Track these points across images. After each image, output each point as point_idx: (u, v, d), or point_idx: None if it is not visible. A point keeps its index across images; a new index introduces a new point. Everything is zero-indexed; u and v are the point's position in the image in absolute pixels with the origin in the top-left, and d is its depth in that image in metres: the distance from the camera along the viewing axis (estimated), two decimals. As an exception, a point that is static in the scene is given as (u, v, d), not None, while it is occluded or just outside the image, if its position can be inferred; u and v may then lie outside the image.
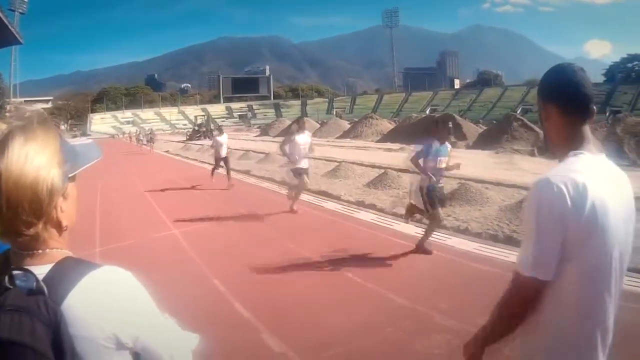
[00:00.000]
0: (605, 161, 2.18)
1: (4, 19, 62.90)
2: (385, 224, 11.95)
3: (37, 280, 1.35)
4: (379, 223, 12.13)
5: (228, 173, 20.19)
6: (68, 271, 1.42)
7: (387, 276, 8.14)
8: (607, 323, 2.09)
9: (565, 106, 2.17)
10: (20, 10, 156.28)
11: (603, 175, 2.06)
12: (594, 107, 2.20)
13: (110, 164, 32.69)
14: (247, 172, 24.10)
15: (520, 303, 2.08)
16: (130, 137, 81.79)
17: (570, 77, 2.17)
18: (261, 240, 11.11)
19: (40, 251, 1.43)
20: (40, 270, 1.40)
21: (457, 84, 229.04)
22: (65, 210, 1.44)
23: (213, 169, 21.14)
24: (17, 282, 1.38)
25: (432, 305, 6.72)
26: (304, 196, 15.66)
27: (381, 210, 13.50)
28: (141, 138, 59.32)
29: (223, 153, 20.27)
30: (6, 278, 1.36)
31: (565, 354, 2.09)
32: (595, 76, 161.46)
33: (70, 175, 1.48)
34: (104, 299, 1.41)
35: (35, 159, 1.33)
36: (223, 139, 20.56)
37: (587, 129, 2.20)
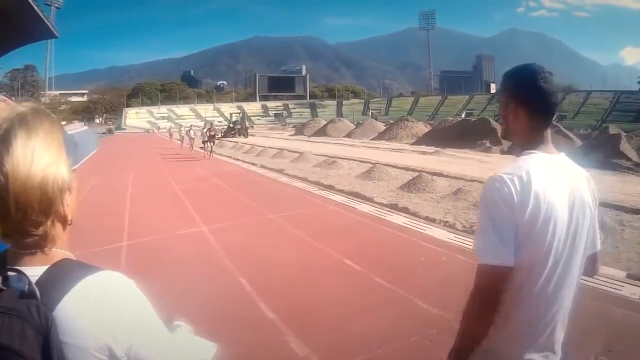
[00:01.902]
0: (560, 160, 2.33)
1: (40, 13, 63.66)
2: (417, 228, 11.77)
3: (29, 282, 1.29)
4: (410, 227, 11.96)
5: None
6: (63, 274, 1.36)
7: (415, 282, 8.02)
8: (561, 309, 2.24)
9: (535, 110, 2.31)
10: (57, 5, 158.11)
11: (551, 172, 2.21)
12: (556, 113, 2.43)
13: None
14: (280, 171, 24.05)
15: (491, 294, 2.14)
16: (171, 134, 74.39)
17: (543, 82, 2.27)
18: (290, 240, 11.10)
19: (38, 251, 1.37)
20: (35, 271, 1.33)
21: (492, 88, 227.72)
22: (70, 204, 1.42)
23: None
24: (12, 283, 1.31)
25: (461, 314, 6.53)
26: (336, 196, 15.67)
27: (414, 214, 13.31)
28: (192, 136, 44.89)
29: None
30: (0, 279, 1.30)
31: (523, 339, 2.22)
32: (630, 83, 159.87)
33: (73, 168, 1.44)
34: (99, 307, 1.34)
35: (42, 158, 1.18)
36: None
37: (548, 131, 2.37)
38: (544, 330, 2.22)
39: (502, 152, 37.57)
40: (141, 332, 1.42)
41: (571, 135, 36.06)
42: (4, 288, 1.29)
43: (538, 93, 2.26)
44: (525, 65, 2.40)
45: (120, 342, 1.35)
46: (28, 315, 1.24)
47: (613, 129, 36.23)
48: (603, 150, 28.96)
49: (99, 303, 1.35)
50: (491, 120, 49.36)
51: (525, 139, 2.34)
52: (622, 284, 7.69)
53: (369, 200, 15.57)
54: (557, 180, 2.19)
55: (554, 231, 2.12)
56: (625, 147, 29.31)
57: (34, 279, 1.30)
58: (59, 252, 1.41)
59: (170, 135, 73.54)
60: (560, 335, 2.27)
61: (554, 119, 2.42)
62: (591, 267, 2.44)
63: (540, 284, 2.16)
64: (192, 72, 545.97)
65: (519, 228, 2.10)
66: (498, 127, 45.61)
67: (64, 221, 1.42)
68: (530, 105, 2.29)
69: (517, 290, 2.16)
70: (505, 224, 2.11)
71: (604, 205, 13.18)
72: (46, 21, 69.42)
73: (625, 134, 33.20)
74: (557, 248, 2.14)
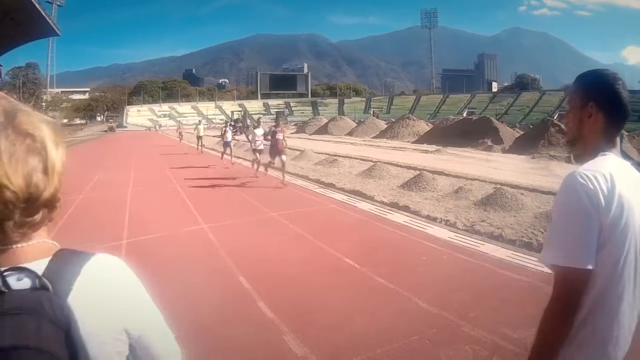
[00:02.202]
0: (629, 166, 2.23)
1: (41, 10, 63.78)
2: (418, 227, 11.72)
3: (38, 277, 1.26)
4: (411, 225, 11.92)
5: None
6: (65, 263, 1.34)
7: (416, 281, 7.97)
8: (631, 321, 2.12)
9: (612, 113, 2.23)
10: (58, 3, 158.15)
11: (629, 177, 2.13)
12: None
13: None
14: (280, 169, 23.65)
15: (572, 298, 2.02)
16: (181, 134, 53.01)
17: (621, 87, 2.21)
18: (290, 238, 11.08)
19: (23, 245, 1.31)
20: (34, 266, 1.29)
21: (494, 87, 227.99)
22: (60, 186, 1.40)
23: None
24: (12, 283, 1.26)
25: (460, 313, 6.54)
26: (336, 195, 15.69)
27: (415, 212, 13.28)
28: (228, 139, 30.67)
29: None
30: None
31: (592, 348, 2.08)
32: (632, 83, 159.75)
33: None
34: (107, 292, 1.36)
35: (30, 160, 1.28)
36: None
37: (618, 138, 2.29)
38: (621, 346, 2.10)
39: (504, 151, 37.57)
40: (145, 310, 1.47)
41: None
42: (5, 290, 1.24)
43: (620, 99, 2.22)
44: (606, 71, 2.33)
45: (131, 320, 1.39)
46: (42, 310, 1.22)
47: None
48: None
49: (106, 285, 1.36)
50: (492, 119, 49.52)
51: (597, 144, 2.26)
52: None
53: (369, 198, 15.55)
54: (635, 186, 2.13)
55: (632, 238, 2.04)
56: (627, 147, 29.35)
57: (39, 273, 1.28)
58: (47, 243, 1.38)
59: (181, 135, 53.39)
60: (620, 353, 2.11)
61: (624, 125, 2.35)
62: None
63: (618, 294, 2.05)
64: (194, 70, 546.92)
65: (601, 231, 2.00)
66: (499, 126, 45.81)
67: (55, 203, 1.40)
68: (610, 110, 2.23)
69: (594, 298, 2.04)
70: (589, 224, 2.00)
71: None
72: (48, 19, 69.61)
73: (627, 133, 33.18)
74: (634, 257, 2.06)
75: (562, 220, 2.08)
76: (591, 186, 2.00)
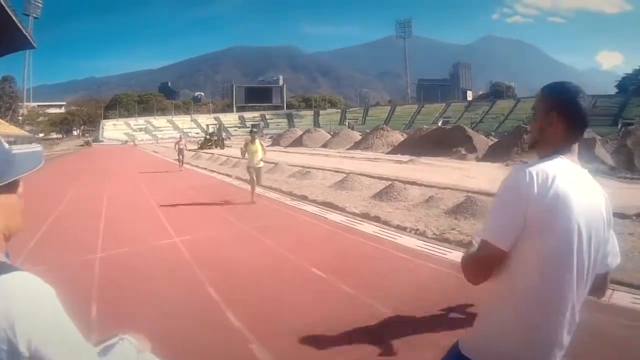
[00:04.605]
0: (583, 171, 2.46)
1: (18, 23, 63.33)
2: (387, 237, 11.84)
3: None
4: (380, 235, 12.03)
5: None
6: None
7: (381, 289, 8.07)
8: (566, 309, 2.28)
9: (572, 122, 2.45)
10: (35, 15, 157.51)
11: (575, 178, 2.33)
12: None
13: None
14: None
15: (484, 267, 2.34)
16: (181, 153, 36.15)
17: (581, 100, 2.43)
18: (260, 250, 11.14)
19: None
20: None
21: (469, 95, 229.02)
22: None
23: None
24: None
25: (424, 319, 6.66)
26: (308, 207, 15.78)
27: (385, 222, 13.36)
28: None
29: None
30: None
31: (519, 331, 2.29)
32: (607, 88, 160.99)
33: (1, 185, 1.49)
34: (3, 301, 1.42)
35: None
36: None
37: (577, 145, 2.51)
38: (544, 330, 2.29)
39: (477, 160, 37.82)
40: (43, 331, 1.47)
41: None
42: None
43: (580, 110, 2.43)
44: (569, 83, 2.55)
45: (20, 335, 1.42)
46: None
47: (588, 134, 36.54)
48: (578, 155, 29.31)
49: (4, 298, 1.43)
50: (466, 128, 49.78)
51: (556, 149, 2.46)
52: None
53: (341, 210, 15.59)
54: (578, 188, 2.30)
55: (566, 234, 2.22)
56: (600, 151, 29.63)
57: None
58: None
59: (181, 155, 36.50)
60: (562, 341, 2.33)
61: (582, 134, 2.54)
62: (599, 287, 2.55)
63: (547, 280, 2.24)
64: (169, 83, 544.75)
65: (529, 222, 2.21)
66: (473, 135, 46.05)
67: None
68: (570, 119, 2.44)
69: (521, 281, 2.27)
70: (513, 213, 2.25)
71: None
72: (24, 31, 69.18)
73: (600, 138, 33.52)
74: (568, 252, 2.23)
75: (495, 206, 2.39)
76: (527, 180, 2.23)
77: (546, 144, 2.51)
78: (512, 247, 2.25)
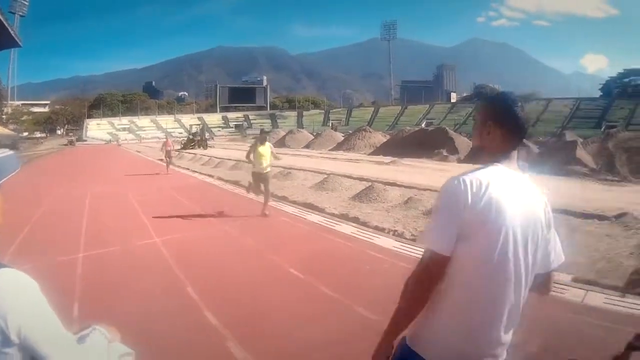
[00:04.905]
0: (521, 178, 2.53)
1: (3, 21, 62.90)
2: (365, 238, 11.94)
3: None
4: (358, 236, 12.14)
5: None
6: None
7: (357, 289, 8.19)
8: (503, 309, 2.39)
9: (508, 131, 2.55)
10: (21, 13, 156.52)
11: (509, 185, 2.43)
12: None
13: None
14: (236, 183, 23.98)
15: (428, 276, 2.38)
16: (169, 155, 33.90)
17: (518, 110, 2.54)
18: (239, 250, 11.24)
19: None
20: None
21: (453, 97, 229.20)
22: None
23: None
24: None
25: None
26: (289, 207, 15.86)
27: (363, 223, 13.47)
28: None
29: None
30: None
31: (461, 327, 2.40)
32: (592, 91, 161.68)
33: None
34: None
35: None
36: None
37: (515, 152, 2.59)
38: (482, 327, 2.39)
39: (459, 161, 37.95)
40: (31, 321, 1.63)
41: (527, 142, 36.52)
42: None
43: (517, 118, 2.52)
44: (507, 93, 2.69)
45: (11, 326, 1.58)
46: None
47: (570, 136, 36.81)
48: (559, 157, 29.45)
49: None
50: (448, 129, 49.87)
51: (495, 156, 2.55)
52: (567, 287, 7.92)
53: (320, 210, 15.69)
54: (512, 194, 2.40)
55: (499, 237, 2.31)
56: (581, 153, 29.84)
57: None
58: None
59: (168, 157, 34.10)
60: (502, 338, 2.43)
61: (520, 142, 2.62)
62: (543, 285, 2.64)
63: (482, 281, 2.35)
64: (153, 82, 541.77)
65: (465, 227, 2.31)
66: (455, 137, 46.07)
67: None
68: (506, 128, 2.53)
69: (456, 282, 2.37)
70: (452, 219, 2.34)
71: (553, 210, 13.40)
72: (10, 30, 68.73)
73: (582, 140, 33.78)
74: (502, 255, 2.33)
75: (435, 214, 2.49)
76: (462, 188, 2.34)
77: (484, 152, 2.62)
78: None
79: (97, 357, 1.99)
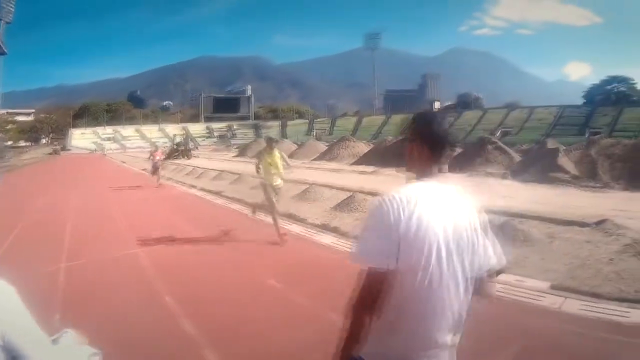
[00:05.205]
0: (447, 190, 2.72)
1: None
2: (344, 247, 12.04)
3: None
4: (338, 246, 12.33)
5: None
6: None
7: (335, 298, 8.18)
8: (443, 313, 2.55)
9: (432, 148, 2.77)
10: (6, 20, 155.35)
11: (436, 198, 2.61)
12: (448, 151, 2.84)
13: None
14: (218, 193, 24.15)
15: (375, 293, 2.49)
16: (156, 166, 31.93)
17: (440, 129, 2.81)
18: (219, 260, 11.44)
19: None
20: None
21: (436, 106, 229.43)
22: None
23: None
24: None
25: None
26: (270, 218, 15.92)
27: (343, 233, 13.58)
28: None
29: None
30: None
31: (404, 332, 2.54)
32: (575, 99, 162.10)
33: None
34: None
35: None
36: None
37: (437, 167, 2.79)
38: (425, 329, 2.52)
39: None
40: (13, 324, 1.81)
41: (509, 150, 36.70)
42: None
43: (435, 136, 2.77)
44: (426, 113, 3.03)
45: None
46: None
47: (552, 143, 36.93)
48: (541, 165, 29.65)
49: None
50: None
51: (423, 171, 2.74)
52: (544, 294, 8.10)
53: (301, 221, 15.91)
54: (438, 206, 2.56)
55: (430, 246, 2.46)
56: (563, 160, 29.98)
57: None
58: None
59: (155, 169, 32.23)
60: (443, 340, 2.55)
61: (446, 157, 2.82)
62: (482, 289, 2.77)
63: (421, 294, 2.47)
64: (138, 92, 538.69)
65: (401, 240, 2.43)
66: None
67: None
68: (428, 144, 2.75)
69: (401, 293, 2.48)
70: (388, 235, 2.45)
71: (534, 217, 13.72)
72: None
73: (564, 147, 34.01)
74: (433, 262, 2.47)
75: (369, 231, 2.61)
76: (395, 205, 2.50)
77: (414, 168, 2.82)
78: None
79: (71, 356, 2.19)
